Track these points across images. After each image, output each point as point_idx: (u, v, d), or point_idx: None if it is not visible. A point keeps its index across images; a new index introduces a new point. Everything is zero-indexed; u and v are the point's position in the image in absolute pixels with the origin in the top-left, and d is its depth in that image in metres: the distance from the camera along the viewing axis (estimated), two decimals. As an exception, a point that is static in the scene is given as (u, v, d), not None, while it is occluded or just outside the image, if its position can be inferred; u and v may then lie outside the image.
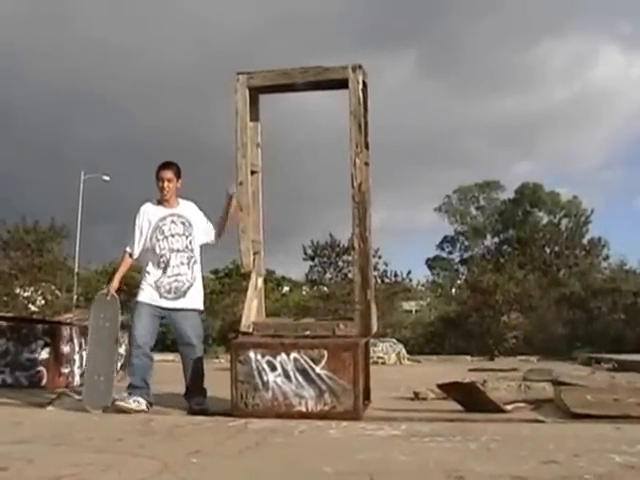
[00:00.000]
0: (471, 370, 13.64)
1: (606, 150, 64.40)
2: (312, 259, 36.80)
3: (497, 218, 44.53)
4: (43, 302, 24.48)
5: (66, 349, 9.39)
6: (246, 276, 7.07)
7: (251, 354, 6.18)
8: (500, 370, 13.25)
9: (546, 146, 61.41)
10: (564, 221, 42.44)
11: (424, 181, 60.82)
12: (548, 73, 64.60)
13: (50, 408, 6.80)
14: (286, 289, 27.71)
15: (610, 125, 64.16)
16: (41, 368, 9.12)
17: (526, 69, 62.69)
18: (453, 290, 37.39)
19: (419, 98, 63.99)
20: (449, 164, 61.75)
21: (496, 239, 44.49)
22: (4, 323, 9.54)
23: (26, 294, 25.12)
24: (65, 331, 9.55)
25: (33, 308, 22.42)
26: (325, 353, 6.12)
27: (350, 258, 35.35)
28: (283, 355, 6.18)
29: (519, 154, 65.49)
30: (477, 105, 63.70)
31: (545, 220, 42.93)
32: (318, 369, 6.12)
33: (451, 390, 7.32)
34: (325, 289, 28.56)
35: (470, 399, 6.84)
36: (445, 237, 45.56)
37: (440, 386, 7.51)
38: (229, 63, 54.69)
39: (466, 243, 45.49)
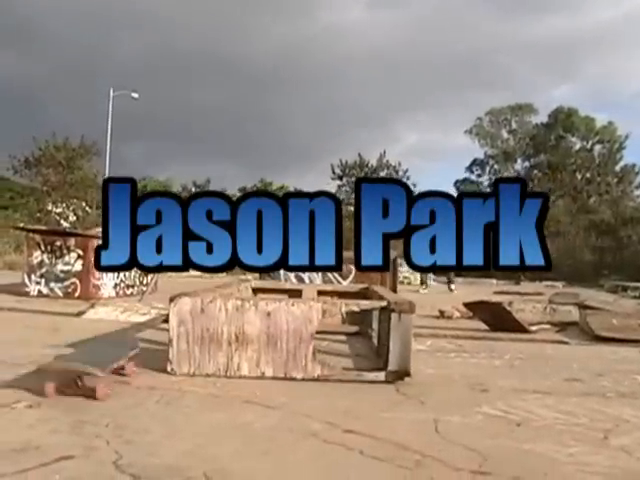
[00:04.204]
0: (496, 293, 13.72)
1: (651, 76, 61.09)
2: (340, 178, 36.66)
3: (529, 142, 43.36)
4: (74, 218, 24.90)
5: (99, 262, 9.60)
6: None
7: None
8: (525, 294, 13.30)
9: (588, 69, 58.56)
10: (597, 147, 41.19)
11: (458, 102, 58.72)
12: (596, -9, 60.84)
13: (84, 317, 7.05)
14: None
15: (658, 50, 60.80)
16: (75, 280, 9.38)
17: (574, -15, 59.03)
18: (480, 214, 37.05)
19: (461, 14, 61.02)
20: (486, 85, 59.49)
21: (527, 163, 43.51)
22: (38, 236, 9.76)
23: (58, 210, 25.54)
24: (98, 244, 9.72)
25: (65, 224, 22.83)
26: (352, 268, 6.19)
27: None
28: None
29: (559, 76, 62.42)
30: (520, 23, 60.54)
31: (578, 146, 41.71)
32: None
33: (477, 309, 7.39)
34: (351, 209, 28.45)
35: (496, 318, 6.91)
36: (475, 160, 44.57)
37: (467, 305, 7.58)
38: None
39: (496, 167, 44.53)
